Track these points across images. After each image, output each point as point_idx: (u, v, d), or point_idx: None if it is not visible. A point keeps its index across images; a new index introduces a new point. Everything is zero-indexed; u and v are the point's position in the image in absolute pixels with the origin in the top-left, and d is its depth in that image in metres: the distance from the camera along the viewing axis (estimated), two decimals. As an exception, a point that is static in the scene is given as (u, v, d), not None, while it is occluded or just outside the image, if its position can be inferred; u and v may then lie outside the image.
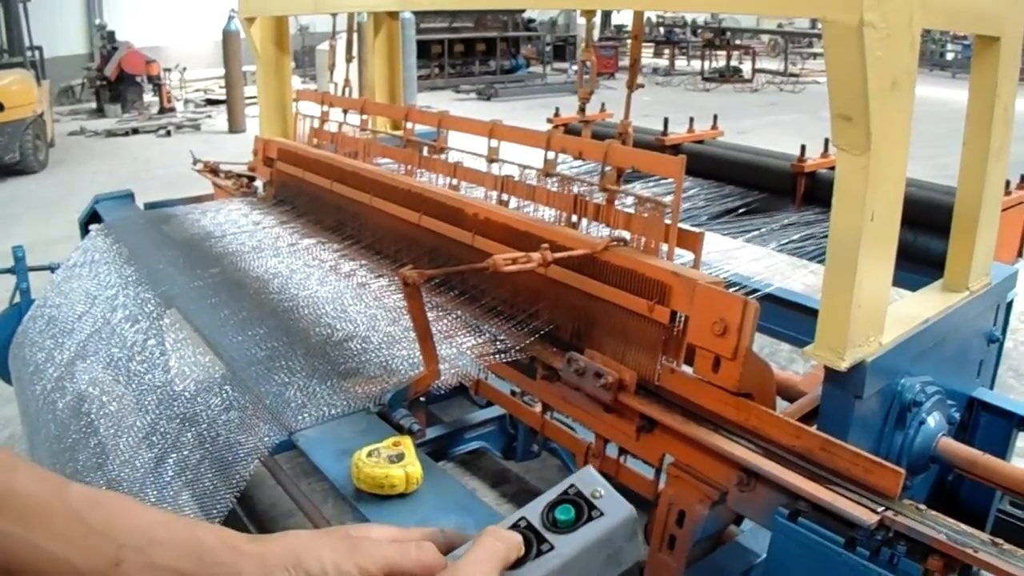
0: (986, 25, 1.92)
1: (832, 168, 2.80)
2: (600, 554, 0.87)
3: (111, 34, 17.93)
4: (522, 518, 0.90)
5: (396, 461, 1.68)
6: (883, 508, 1.44)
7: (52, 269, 3.69)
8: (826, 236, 1.66)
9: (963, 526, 1.44)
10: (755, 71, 21.73)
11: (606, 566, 0.89)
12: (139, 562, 0.78)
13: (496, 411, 2.94)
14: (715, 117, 3.61)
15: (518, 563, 0.86)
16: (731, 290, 1.74)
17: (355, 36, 3.86)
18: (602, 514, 0.88)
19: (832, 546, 1.47)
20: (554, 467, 3.64)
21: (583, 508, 0.88)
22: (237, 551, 0.82)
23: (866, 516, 1.43)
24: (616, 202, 2.13)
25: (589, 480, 0.91)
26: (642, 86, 2.32)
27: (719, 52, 23.41)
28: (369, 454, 1.70)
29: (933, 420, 1.85)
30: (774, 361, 1.85)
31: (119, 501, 0.85)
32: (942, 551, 1.38)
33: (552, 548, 0.86)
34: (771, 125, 14.06)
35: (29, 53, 12.90)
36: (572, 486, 0.91)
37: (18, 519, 0.75)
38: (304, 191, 3.35)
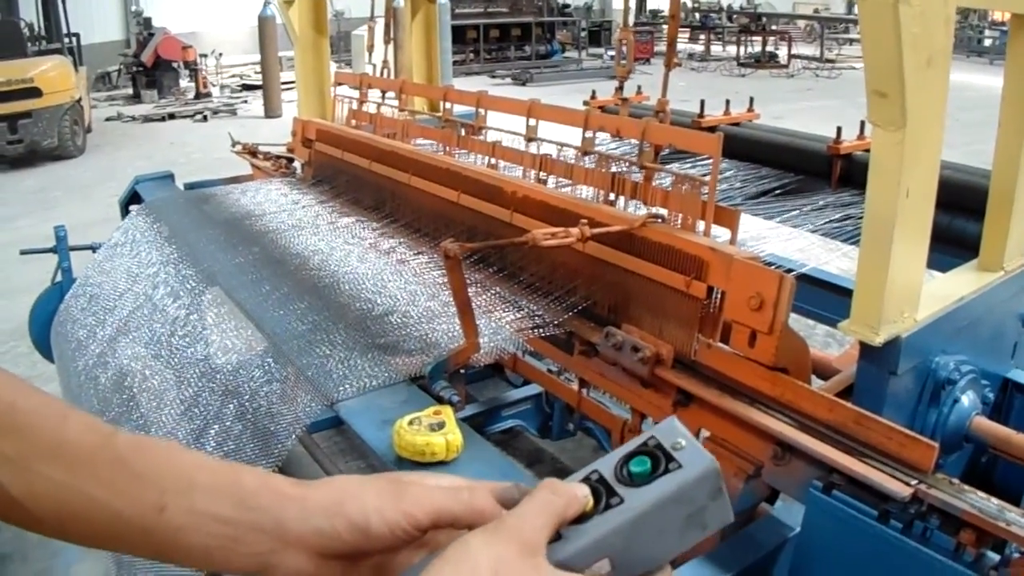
0: (1022, 3, 1.90)
1: (868, 150, 2.79)
2: (678, 512, 0.77)
3: (147, 20, 18.15)
4: (594, 471, 0.80)
5: (437, 429, 1.72)
6: (917, 481, 1.44)
7: (93, 249, 3.75)
8: (863, 217, 1.66)
9: (996, 500, 1.44)
10: (791, 57, 21.51)
11: (687, 527, 0.78)
12: (182, 507, 0.78)
13: (532, 390, 2.94)
14: (751, 100, 3.59)
15: (585, 517, 0.77)
16: (767, 269, 1.75)
17: (392, 21, 3.90)
18: (680, 466, 0.77)
19: (865, 519, 1.47)
20: (589, 447, 3.62)
21: (660, 460, 0.78)
22: (279, 494, 0.81)
23: (900, 489, 1.43)
24: (653, 180, 2.14)
25: (671, 431, 0.80)
26: (679, 64, 2.33)
27: (755, 38, 23.16)
28: (410, 422, 1.73)
29: (967, 399, 1.83)
30: (810, 344, 1.85)
31: (163, 447, 0.85)
32: (975, 524, 1.38)
33: (622, 502, 0.77)
34: (807, 111, 13.91)
35: (67, 40, 13.01)
36: (652, 437, 0.80)
37: (67, 467, 0.76)
38: (343, 171, 3.38)
